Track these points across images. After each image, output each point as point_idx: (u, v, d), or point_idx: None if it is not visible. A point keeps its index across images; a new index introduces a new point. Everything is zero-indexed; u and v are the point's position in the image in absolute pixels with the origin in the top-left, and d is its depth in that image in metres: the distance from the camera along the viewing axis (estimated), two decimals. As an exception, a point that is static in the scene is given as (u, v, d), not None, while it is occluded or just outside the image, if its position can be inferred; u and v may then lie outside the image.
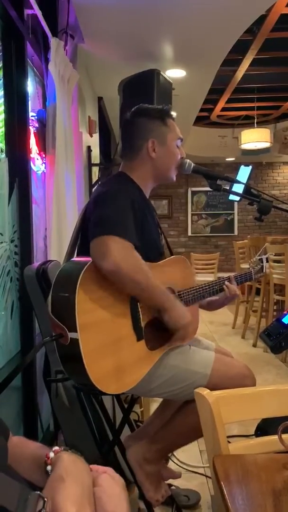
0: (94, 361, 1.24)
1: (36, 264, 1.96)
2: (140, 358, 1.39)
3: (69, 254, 1.55)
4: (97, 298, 1.30)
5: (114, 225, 1.30)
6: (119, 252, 1.26)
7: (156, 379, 1.44)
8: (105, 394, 1.49)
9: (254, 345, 4.47)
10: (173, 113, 1.63)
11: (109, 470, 0.74)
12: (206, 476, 2.11)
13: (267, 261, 1.92)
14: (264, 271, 1.89)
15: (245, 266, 5.17)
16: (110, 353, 1.31)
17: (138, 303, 1.40)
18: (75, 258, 1.43)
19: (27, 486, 0.68)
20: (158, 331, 1.46)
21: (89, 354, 1.23)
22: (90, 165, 3.52)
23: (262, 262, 1.89)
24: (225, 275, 1.73)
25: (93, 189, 1.54)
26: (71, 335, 1.23)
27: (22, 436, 0.87)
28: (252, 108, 6.21)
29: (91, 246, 1.29)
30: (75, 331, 1.23)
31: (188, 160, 1.64)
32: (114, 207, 1.36)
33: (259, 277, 1.89)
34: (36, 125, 2.36)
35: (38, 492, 0.64)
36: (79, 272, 1.25)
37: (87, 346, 1.23)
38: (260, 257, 1.90)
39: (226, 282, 1.68)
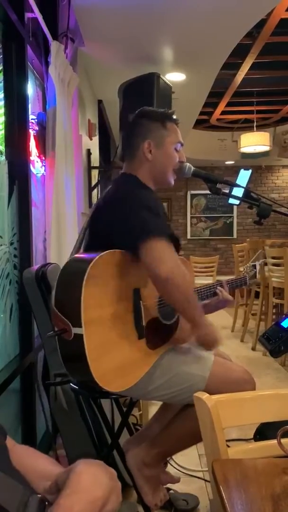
0: (97, 357, 1.25)
1: (35, 266, 1.96)
2: (140, 357, 1.40)
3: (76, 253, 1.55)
4: (102, 294, 1.31)
5: (158, 229, 1.31)
6: (172, 257, 1.29)
7: (154, 380, 1.44)
8: (104, 394, 1.49)
9: (253, 349, 4.47)
10: (175, 118, 1.64)
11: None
12: (205, 480, 2.10)
13: (265, 264, 1.96)
14: (256, 277, 1.92)
15: (244, 269, 5.18)
16: (112, 350, 1.32)
17: (141, 301, 1.40)
18: (80, 254, 1.43)
19: (29, 489, 0.67)
20: (158, 331, 1.47)
21: (92, 350, 1.24)
22: (89, 168, 3.52)
23: (255, 268, 1.92)
24: (225, 278, 1.74)
25: (104, 192, 1.51)
26: (75, 330, 1.24)
27: (29, 447, 0.85)
28: (251, 112, 6.22)
29: (142, 251, 1.29)
30: (80, 326, 1.23)
31: (188, 164, 1.64)
32: (149, 210, 1.36)
33: (252, 283, 1.91)
34: (36, 128, 2.36)
35: (40, 495, 0.63)
36: (86, 267, 1.26)
37: (90, 342, 1.24)
38: (253, 263, 1.93)
39: (219, 287, 1.68)
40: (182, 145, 1.63)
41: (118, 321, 1.35)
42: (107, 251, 1.32)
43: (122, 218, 1.37)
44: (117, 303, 1.35)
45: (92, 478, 0.64)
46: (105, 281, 1.31)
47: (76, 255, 1.43)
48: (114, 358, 1.32)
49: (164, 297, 1.39)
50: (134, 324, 1.38)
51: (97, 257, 1.29)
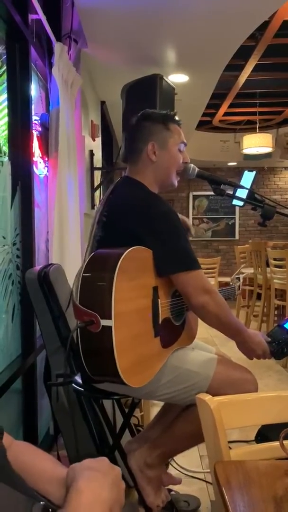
0: (122, 350, 1.26)
1: (37, 267, 1.96)
2: (155, 355, 1.42)
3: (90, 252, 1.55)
4: (129, 288, 1.32)
5: (196, 260, 1.45)
6: (208, 288, 1.42)
7: (159, 379, 1.45)
8: (106, 395, 1.50)
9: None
10: (178, 119, 1.64)
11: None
12: (206, 482, 2.10)
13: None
14: (240, 289, 2.09)
15: (245, 271, 5.18)
16: (134, 345, 1.33)
17: (159, 299, 1.42)
18: (103, 249, 1.43)
19: (31, 494, 0.67)
20: (170, 330, 1.49)
21: (119, 343, 1.25)
22: (92, 169, 3.52)
23: (239, 280, 2.07)
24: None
25: (109, 194, 1.52)
26: (103, 322, 1.24)
27: (28, 443, 0.85)
28: (254, 113, 6.22)
29: (181, 279, 1.41)
30: (109, 318, 1.24)
31: (192, 165, 1.65)
32: (184, 238, 1.46)
33: (237, 295, 2.10)
34: (39, 128, 2.36)
35: (43, 502, 0.63)
36: (117, 260, 1.27)
37: (119, 335, 1.25)
38: (237, 276, 2.09)
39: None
40: (185, 145, 1.63)
41: (140, 317, 1.37)
42: (133, 247, 1.34)
43: (157, 237, 1.42)
44: (139, 299, 1.37)
45: (92, 496, 0.65)
46: (132, 276, 1.33)
47: (100, 250, 1.43)
48: (136, 353, 1.34)
49: (200, 319, 1.51)
50: (152, 322, 1.40)
51: (127, 251, 1.30)
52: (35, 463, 0.79)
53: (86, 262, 1.35)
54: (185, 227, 1.72)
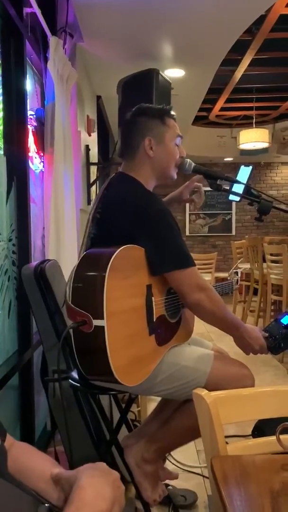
0: (116, 350, 1.25)
1: (34, 263, 1.96)
2: (150, 353, 1.42)
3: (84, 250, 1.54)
4: (121, 287, 1.32)
5: (190, 257, 1.44)
6: (201, 285, 1.42)
7: (156, 376, 1.45)
8: (102, 390, 1.50)
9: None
10: (173, 113, 1.63)
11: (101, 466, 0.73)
12: (203, 476, 2.11)
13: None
14: (238, 284, 2.09)
15: (243, 266, 5.19)
16: (128, 344, 1.33)
17: (153, 297, 1.42)
18: (96, 248, 1.43)
19: (34, 496, 0.67)
20: (165, 328, 1.49)
21: (112, 343, 1.24)
22: (88, 164, 3.51)
23: (237, 275, 2.08)
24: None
25: (104, 190, 1.52)
26: (95, 322, 1.24)
27: (28, 444, 0.85)
28: (250, 108, 6.21)
29: (176, 277, 1.41)
30: (101, 318, 1.23)
31: (188, 160, 1.64)
32: (178, 236, 1.45)
33: (236, 289, 2.12)
34: (35, 123, 2.35)
35: (48, 504, 0.63)
36: (108, 259, 1.27)
37: (112, 334, 1.24)
38: (235, 271, 2.11)
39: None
40: (181, 138, 1.62)
41: (134, 316, 1.36)
42: (125, 246, 1.34)
43: (151, 236, 1.41)
44: (133, 297, 1.37)
45: (95, 492, 0.66)
46: (124, 274, 1.33)
47: (92, 249, 1.43)
48: (130, 352, 1.33)
49: (196, 316, 1.52)
50: (146, 320, 1.40)
51: (119, 250, 1.30)
52: (34, 464, 0.80)
53: (78, 262, 1.35)
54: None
